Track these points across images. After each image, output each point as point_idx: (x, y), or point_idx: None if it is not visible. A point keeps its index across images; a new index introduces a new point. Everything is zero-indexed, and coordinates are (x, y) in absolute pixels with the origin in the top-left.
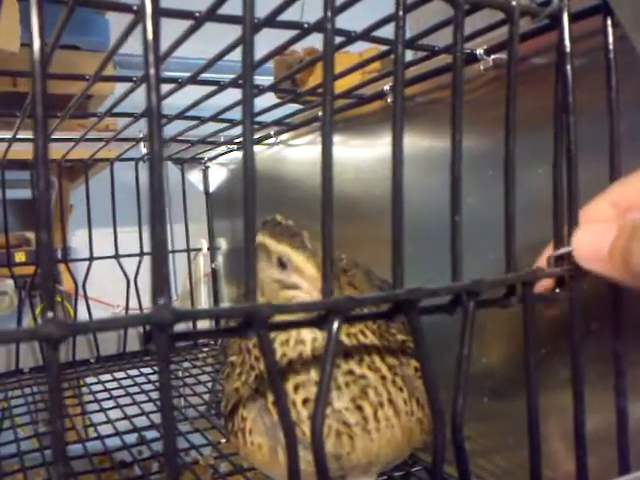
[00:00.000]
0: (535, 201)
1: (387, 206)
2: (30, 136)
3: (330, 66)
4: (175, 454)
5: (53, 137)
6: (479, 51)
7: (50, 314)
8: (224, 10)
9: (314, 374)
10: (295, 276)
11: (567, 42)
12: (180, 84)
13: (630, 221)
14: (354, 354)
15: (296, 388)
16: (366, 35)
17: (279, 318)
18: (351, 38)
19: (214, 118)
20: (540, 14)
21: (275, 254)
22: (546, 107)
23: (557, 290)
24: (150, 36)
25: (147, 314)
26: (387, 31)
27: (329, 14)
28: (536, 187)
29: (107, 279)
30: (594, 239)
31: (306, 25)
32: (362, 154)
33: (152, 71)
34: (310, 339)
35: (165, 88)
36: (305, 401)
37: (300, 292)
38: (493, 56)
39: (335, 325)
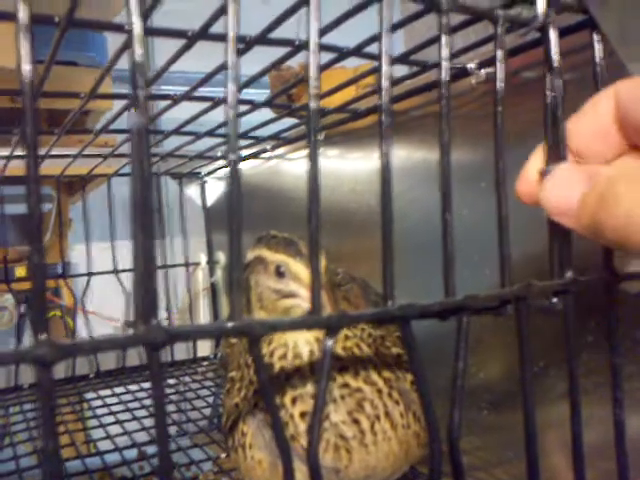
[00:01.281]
0: (528, 214)
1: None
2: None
3: (316, 88)
4: (170, 470)
5: (51, 154)
6: (470, 65)
7: (43, 335)
8: (217, 28)
9: (311, 387)
10: (293, 284)
11: (555, 56)
12: (175, 100)
13: (598, 185)
14: (350, 367)
15: (294, 401)
16: (356, 52)
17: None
18: (341, 54)
19: (210, 134)
20: (526, 23)
21: (272, 264)
22: (538, 120)
23: (554, 300)
24: (139, 58)
25: (141, 334)
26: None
27: (313, 35)
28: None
29: (107, 293)
30: (564, 192)
31: (297, 42)
32: (358, 167)
33: (141, 93)
34: (307, 352)
35: (162, 104)
36: (303, 414)
37: (299, 300)
38: (484, 70)
39: (330, 343)
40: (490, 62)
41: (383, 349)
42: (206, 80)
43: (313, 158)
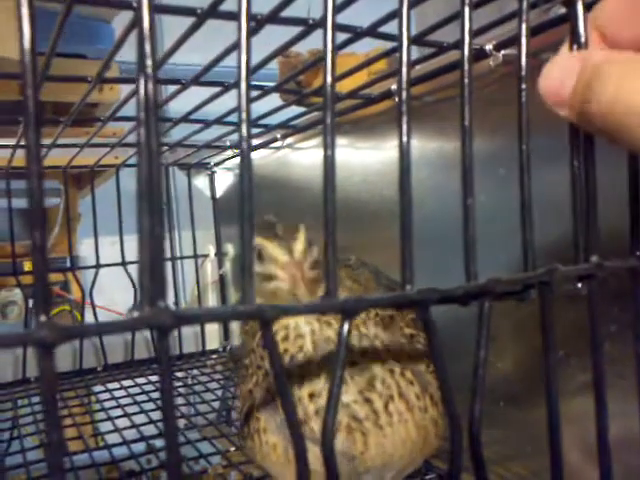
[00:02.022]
0: (548, 198)
1: (397, 208)
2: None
3: (332, 64)
4: (179, 463)
5: (57, 143)
6: (488, 47)
7: (43, 317)
8: (226, 8)
9: (316, 368)
10: (270, 266)
11: (582, 31)
12: (184, 85)
13: (589, 66)
14: (356, 346)
15: (300, 384)
16: (371, 32)
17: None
18: (356, 34)
19: (219, 121)
20: None
21: (255, 248)
22: None
23: (578, 285)
24: (146, 24)
25: (147, 317)
26: (393, 29)
27: (329, 9)
28: (550, 184)
29: (116, 287)
30: (559, 78)
31: (311, 21)
32: (370, 156)
33: (149, 62)
34: (309, 332)
35: (170, 91)
36: (311, 395)
37: (278, 282)
38: (502, 52)
39: (346, 327)
40: (508, 43)
41: (393, 328)
42: (217, 61)
43: (330, 140)
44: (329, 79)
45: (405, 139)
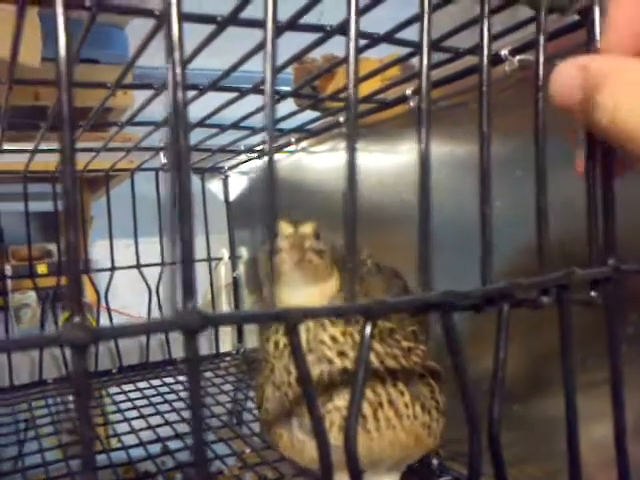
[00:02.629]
0: (563, 202)
1: (411, 212)
2: (52, 147)
3: (355, 67)
4: (205, 464)
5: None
6: (504, 52)
7: (77, 318)
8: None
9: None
10: (279, 240)
11: (598, 37)
12: (201, 91)
13: (590, 77)
14: (349, 353)
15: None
16: (389, 37)
17: None
18: (374, 40)
19: (235, 126)
20: (569, 8)
21: None
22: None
23: (592, 293)
24: (175, 31)
25: (174, 319)
26: (409, 36)
27: (352, 14)
28: (564, 188)
29: (130, 291)
30: (566, 86)
31: (329, 27)
32: (384, 160)
33: (178, 69)
34: (304, 329)
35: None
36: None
37: (281, 254)
38: (518, 57)
39: (368, 329)
40: (524, 48)
41: (390, 340)
42: (238, 66)
43: (351, 147)
44: (352, 88)
45: (423, 145)
